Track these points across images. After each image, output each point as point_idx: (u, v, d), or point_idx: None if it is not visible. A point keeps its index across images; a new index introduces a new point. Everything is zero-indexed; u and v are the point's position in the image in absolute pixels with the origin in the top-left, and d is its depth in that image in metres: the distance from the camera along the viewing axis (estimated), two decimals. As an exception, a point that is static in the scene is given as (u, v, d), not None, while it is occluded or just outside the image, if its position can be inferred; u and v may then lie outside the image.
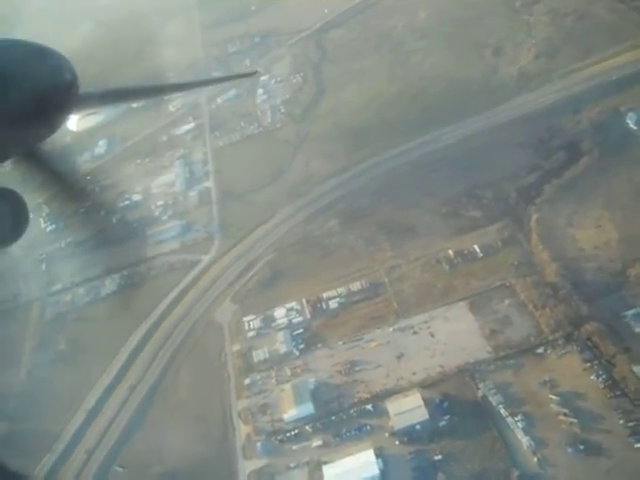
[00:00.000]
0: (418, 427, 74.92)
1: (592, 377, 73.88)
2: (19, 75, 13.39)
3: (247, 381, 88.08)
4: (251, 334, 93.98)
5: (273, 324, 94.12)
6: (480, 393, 76.49)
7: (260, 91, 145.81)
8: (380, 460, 73.45)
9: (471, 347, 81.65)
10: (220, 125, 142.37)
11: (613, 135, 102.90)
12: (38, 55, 13.91)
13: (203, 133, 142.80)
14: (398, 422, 75.94)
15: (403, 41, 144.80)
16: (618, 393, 71.48)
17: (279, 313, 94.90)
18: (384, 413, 77.93)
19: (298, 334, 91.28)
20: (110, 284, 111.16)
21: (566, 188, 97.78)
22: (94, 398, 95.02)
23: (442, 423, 74.93)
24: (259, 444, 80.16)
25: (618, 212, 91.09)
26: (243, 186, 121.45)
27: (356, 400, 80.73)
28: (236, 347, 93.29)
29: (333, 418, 79.52)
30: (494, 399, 75.24)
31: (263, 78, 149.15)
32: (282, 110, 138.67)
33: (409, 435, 74.75)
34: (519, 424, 72.11)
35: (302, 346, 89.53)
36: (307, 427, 79.67)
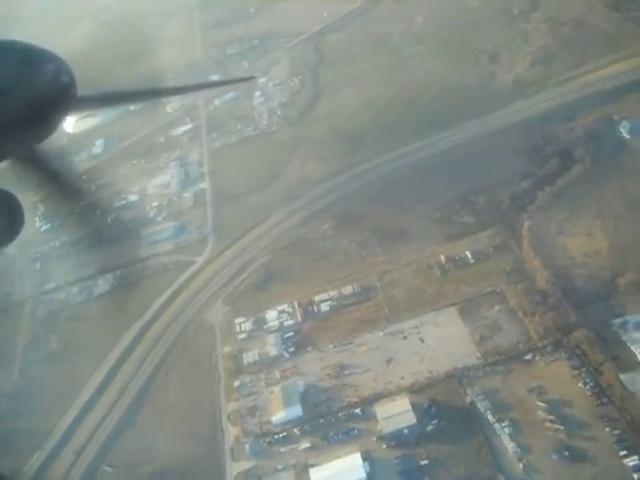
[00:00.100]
0: (406, 431, 75.29)
1: (579, 384, 74.32)
2: (16, 77, 13.38)
3: (237, 383, 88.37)
4: (242, 336, 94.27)
5: (264, 326, 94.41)
6: (468, 399, 76.87)
7: (257, 93, 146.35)
8: (367, 464, 73.79)
9: (460, 353, 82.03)
10: (217, 127, 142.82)
11: (606, 143, 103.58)
12: (35, 57, 13.87)
13: (200, 135, 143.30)
14: (386, 426, 76.28)
15: (400, 46, 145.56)
16: (605, 401, 71.92)
17: (270, 315, 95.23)
18: (372, 417, 78.29)
19: (289, 337, 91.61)
20: (103, 284, 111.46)
21: (559, 195, 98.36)
22: (85, 397, 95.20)
23: (429, 428, 75.32)
24: (247, 446, 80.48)
25: (609, 221, 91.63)
26: (238, 188, 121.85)
27: (345, 403, 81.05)
28: (227, 349, 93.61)
29: (321, 421, 79.86)
30: (482, 405, 75.62)
31: (261, 80, 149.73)
32: (279, 113, 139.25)
33: (396, 439, 75.06)
34: (506, 430, 72.49)
35: (292, 349, 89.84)
36: (295, 430, 79.97)
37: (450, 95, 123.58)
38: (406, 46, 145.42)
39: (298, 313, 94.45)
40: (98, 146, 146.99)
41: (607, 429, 69.20)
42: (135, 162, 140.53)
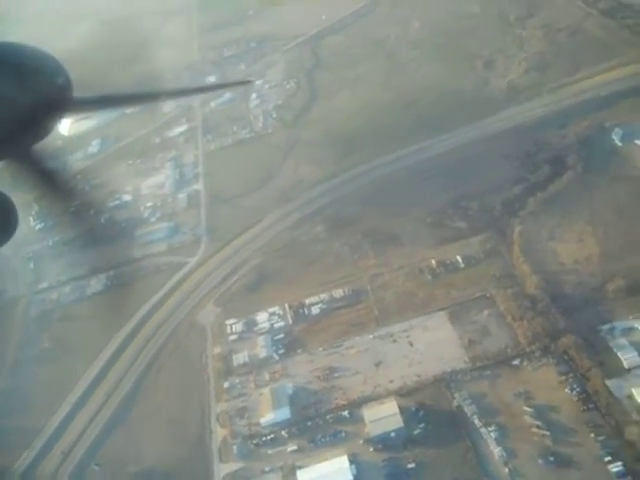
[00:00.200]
0: (393, 434, 75.50)
1: (566, 390, 74.59)
2: (11, 79, 13.34)
3: (226, 384, 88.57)
4: (233, 337, 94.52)
5: (255, 328, 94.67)
6: (455, 403, 77.13)
7: (254, 96, 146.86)
8: (354, 466, 73.94)
9: (449, 357, 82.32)
10: (213, 128, 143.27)
11: (598, 150, 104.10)
12: (31, 59, 13.88)
13: (195, 136, 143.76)
14: (373, 429, 76.54)
15: (397, 51, 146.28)
16: (591, 406, 72.20)
17: (261, 317, 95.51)
18: (360, 420, 78.50)
19: (279, 339, 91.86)
20: (96, 284, 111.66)
21: (550, 202, 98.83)
22: (76, 396, 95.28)
23: (416, 431, 75.52)
24: (235, 447, 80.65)
25: (600, 227, 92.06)
26: (232, 190, 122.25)
27: (333, 406, 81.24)
28: (217, 350, 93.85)
29: (309, 423, 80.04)
30: (469, 409, 75.89)
31: (257, 83, 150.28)
32: (274, 115, 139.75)
33: (383, 442, 75.29)
34: (492, 434, 72.76)
35: (282, 351, 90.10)
36: (283, 432, 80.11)
37: (445, 100, 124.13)
38: (403, 50, 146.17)
39: (289, 315, 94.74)
40: (94, 146, 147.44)
41: (592, 435, 69.50)
42: (130, 162, 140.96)
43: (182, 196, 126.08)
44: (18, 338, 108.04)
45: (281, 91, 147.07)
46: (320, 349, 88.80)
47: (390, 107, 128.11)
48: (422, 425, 75.95)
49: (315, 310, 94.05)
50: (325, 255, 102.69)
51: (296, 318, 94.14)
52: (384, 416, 77.17)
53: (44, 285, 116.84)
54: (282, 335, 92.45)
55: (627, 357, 75.13)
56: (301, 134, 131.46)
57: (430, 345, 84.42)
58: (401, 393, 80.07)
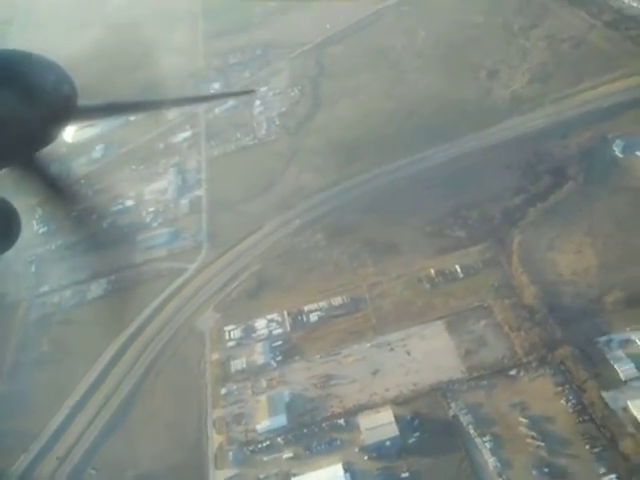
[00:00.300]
0: (388, 443, 75.43)
1: (562, 401, 74.48)
2: (16, 86, 13.30)
3: (224, 390, 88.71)
4: (231, 344, 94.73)
5: (253, 335, 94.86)
6: (451, 412, 77.06)
7: (257, 103, 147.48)
8: (348, 474, 73.88)
9: (445, 366, 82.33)
10: (216, 135, 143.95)
11: (599, 162, 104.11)
12: (36, 66, 13.85)
13: (199, 142, 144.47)
14: (368, 437, 76.52)
15: (401, 60, 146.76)
16: (586, 418, 72.05)
17: (260, 324, 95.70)
18: (355, 428, 78.48)
19: (277, 346, 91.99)
20: (96, 288, 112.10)
21: (550, 212, 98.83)
22: (74, 400, 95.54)
23: (411, 440, 75.47)
24: (231, 454, 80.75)
25: (599, 239, 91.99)
26: (234, 196, 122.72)
27: (329, 414, 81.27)
28: (215, 356, 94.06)
29: (305, 431, 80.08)
30: (464, 419, 75.82)
31: (262, 90, 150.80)
32: (277, 122, 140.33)
33: (378, 451, 75.26)
34: (487, 445, 72.66)
35: (280, 358, 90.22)
36: (279, 439, 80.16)
37: (448, 109, 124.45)
38: (407, 60, 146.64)
39: (287, 322, 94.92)
40: (98, 151, 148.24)
41: (587, 447, 69.35)
42: (134, 167, 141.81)
43: (184, 202, 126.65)
44: (18, 341, 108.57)
45: (285, 98, 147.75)
46: (317, 357, 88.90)
47: (392, 116, 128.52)
48: (417, 434, 75.88)
49: (313, 317, 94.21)
50: (324, 263, 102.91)
51: (294, 325, 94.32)
52: (379, 424, 77.15)
53: (45, 288, 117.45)
54: (280, 342, 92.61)
55: (624, 369, 74.92)
56: (304, 142, 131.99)
57: (427, 354, 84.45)
58: (397, 402, 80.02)
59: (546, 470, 68.61)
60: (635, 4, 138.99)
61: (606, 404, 72.05)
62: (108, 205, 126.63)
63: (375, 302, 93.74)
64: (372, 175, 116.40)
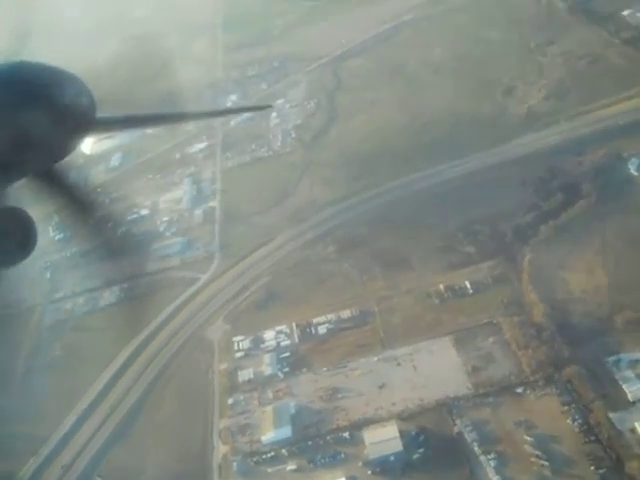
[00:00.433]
0: (392, 458, 75.34)
1: (568, 421, 73.98)
2: (36, 99, 13.67)
3: (230, 400, 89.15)
4: (239, 354, 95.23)
5: (262, 346, 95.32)
6: (456, 429, 76.82)
7: (274, 115, 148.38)
8: (351, 489, 73.99)
9: (452, 382, 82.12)
10: (232, 146, 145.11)
11: (614, 180, 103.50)
12: (55, 79, 14.21)
13: (215, 153, 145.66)
14: (372, 451, 76.47)
15: (417, 75, 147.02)
16: (592, 439, 71.46)
17: (268, 335, 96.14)
18: (360, 442, 78.49)
19: (284, 357, 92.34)
20: (109, 296, 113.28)
21: (562, 230, 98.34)
22: (83, 405, 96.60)
23: (415, 456, 75.29)
24: (235, 464, 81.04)
25: (610, 258, 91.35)
26: (247, 207, 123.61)
27: (334, 427, 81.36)
28: (223, 366, 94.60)
29: (310, 443, 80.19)
30: (469, 436, 75.53)
31: (278, 102, 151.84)
32: (293, 135, 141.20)
33: (382, 465, 75.16)
34: (491, 462, 72.29)
35: (287, 369, 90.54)
36: (283, 450, 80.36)
37: (462, 125, 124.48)
38: (423, 75, 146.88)
39: (295, 334, 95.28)
40: (115, 160, 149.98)
41: (592, 467, 68.76)
42: (150, 177, 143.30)
43: (198, 212, 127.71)
44: (32, 345, 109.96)
45: (301, 111, 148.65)
46: (324, 369, 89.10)
47: (407, 130, 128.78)
48: (421, 450, 75.69)
49: (322, 330, 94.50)
50: (334, 276, 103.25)
51: (302, 337, 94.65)
52: (384, 439, 77.08)
53: (59, 295, 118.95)
54: (288, 353, 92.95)
55: (632, 390, 74.31)
56: (318, 154, 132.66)
57: (434, 370, 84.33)
58: (403, 417, 79.95)
59: (550, 490, 68.14)
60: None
61: (613, 425, 71.42)
62: (124, 213, 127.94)
63: (384, 316, 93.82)
64: (384, 189, 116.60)
